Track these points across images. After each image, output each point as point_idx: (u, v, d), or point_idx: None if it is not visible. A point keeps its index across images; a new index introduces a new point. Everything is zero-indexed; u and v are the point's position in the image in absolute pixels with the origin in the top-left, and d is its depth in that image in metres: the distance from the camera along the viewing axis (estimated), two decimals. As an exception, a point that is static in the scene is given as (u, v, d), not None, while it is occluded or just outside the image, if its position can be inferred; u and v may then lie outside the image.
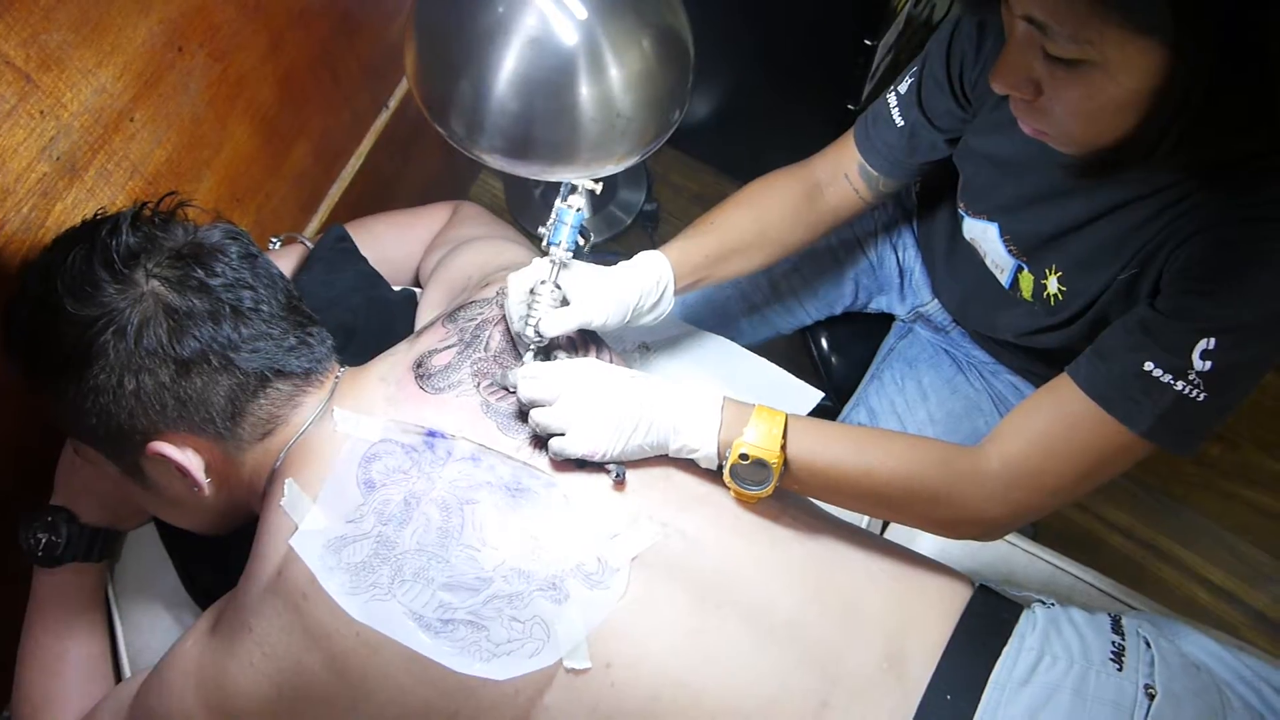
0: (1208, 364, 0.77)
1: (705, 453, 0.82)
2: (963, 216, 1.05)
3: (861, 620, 0.81)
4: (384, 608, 0.74)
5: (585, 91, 0.69)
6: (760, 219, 1.08)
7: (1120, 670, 0.78)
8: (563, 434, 0.80)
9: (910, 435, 0.88)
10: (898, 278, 1.32)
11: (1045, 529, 1.75)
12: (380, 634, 0.74)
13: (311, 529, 0.78)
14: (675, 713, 0.75)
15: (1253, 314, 0.77)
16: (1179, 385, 0.78)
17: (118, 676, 0.98)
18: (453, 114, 0.72)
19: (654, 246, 1.01)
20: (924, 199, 1.27)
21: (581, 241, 0.90)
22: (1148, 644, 0.81)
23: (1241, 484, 1.76)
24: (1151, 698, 0.76)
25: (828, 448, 0.84)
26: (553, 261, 0.89)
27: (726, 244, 1.05)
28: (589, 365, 0.84)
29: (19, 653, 0.95)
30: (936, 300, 1.27)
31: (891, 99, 1.05)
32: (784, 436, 0.82)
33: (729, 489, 0.83)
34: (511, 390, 0.84)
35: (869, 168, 1.08)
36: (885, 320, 1.37)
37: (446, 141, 0.78)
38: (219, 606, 0.85)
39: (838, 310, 1.36)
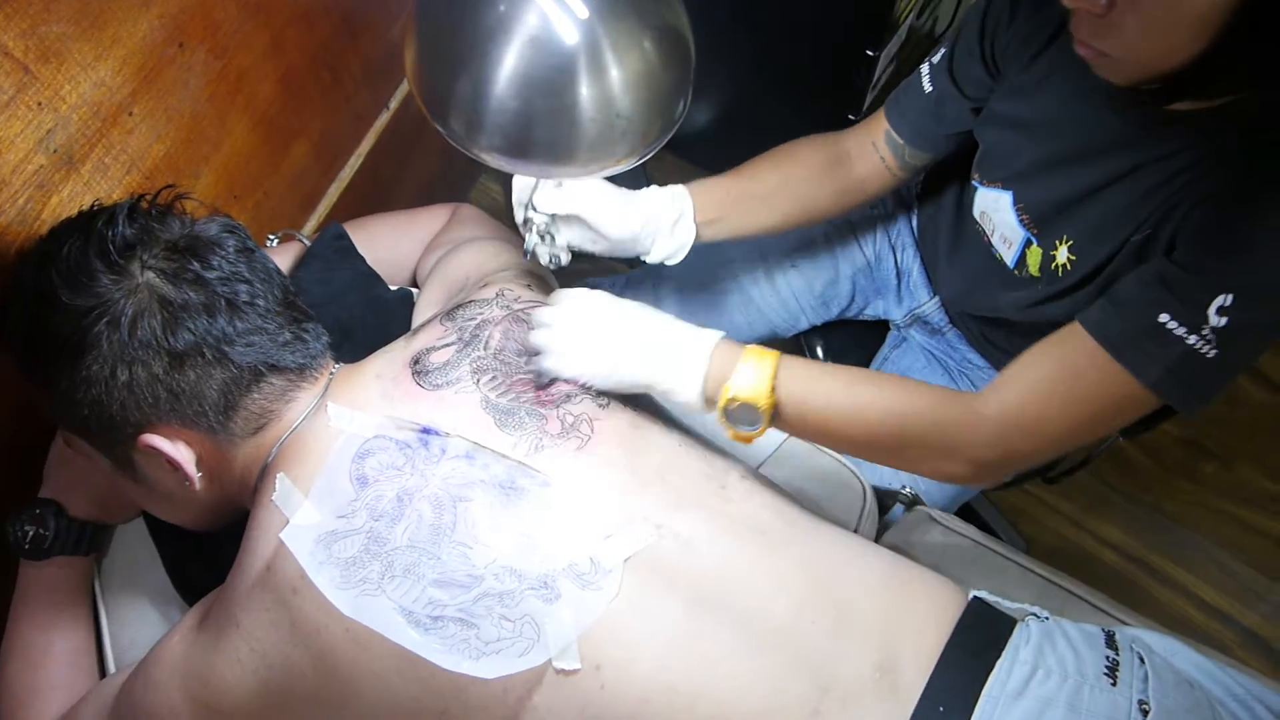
0: (1223, 320, 0.77)
1: (686, 399, 0.83)
2: (975, 188, 1.06)
3: (855, 628, 0.80)
4: (373, 603, 0.74)
5: (585, 91, 0.68)
6: (784, 173, 1.09)
7: (1114, 685, 0.78)
8: (556, 355, 0.82)
9: (906, 379, 0.88)
10: (895, 279, 1.32)
11: (1038, 544, 1.75)
12: (369, 630, 0.73)
13: (303, 524, 0.77)
14: (667, 716, 0.75)
15: (1273, 273, 0.77)
16: (1191, 339, 0.78)
17: (102, 672, 0.97)
18: (452, 112, 0.72)
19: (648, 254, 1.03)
20: (926, 191, 1.27)
21: None
22: (1141, 659, 0.81)
23: (1235, 502, 1.76)
24: (1145, 714, 0.75)
25: (819, 389, 0.84)
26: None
27: (746, 186, 1.07)
28: (596, 295, 0.86)
29: (2, 646, 0.94)
30: (934, 299, 1.27)
31: (924, 68, 1.07)
32: (774, 379, 0.82)
33: (729, 431, 0.84)
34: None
35: (896, 136, 1.09)
36: (880, 329, 1.37)
37: (447, 145, 0.78)
38: (207, 602, 0.84)
39: (834, 312, 1.36)
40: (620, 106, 0.70)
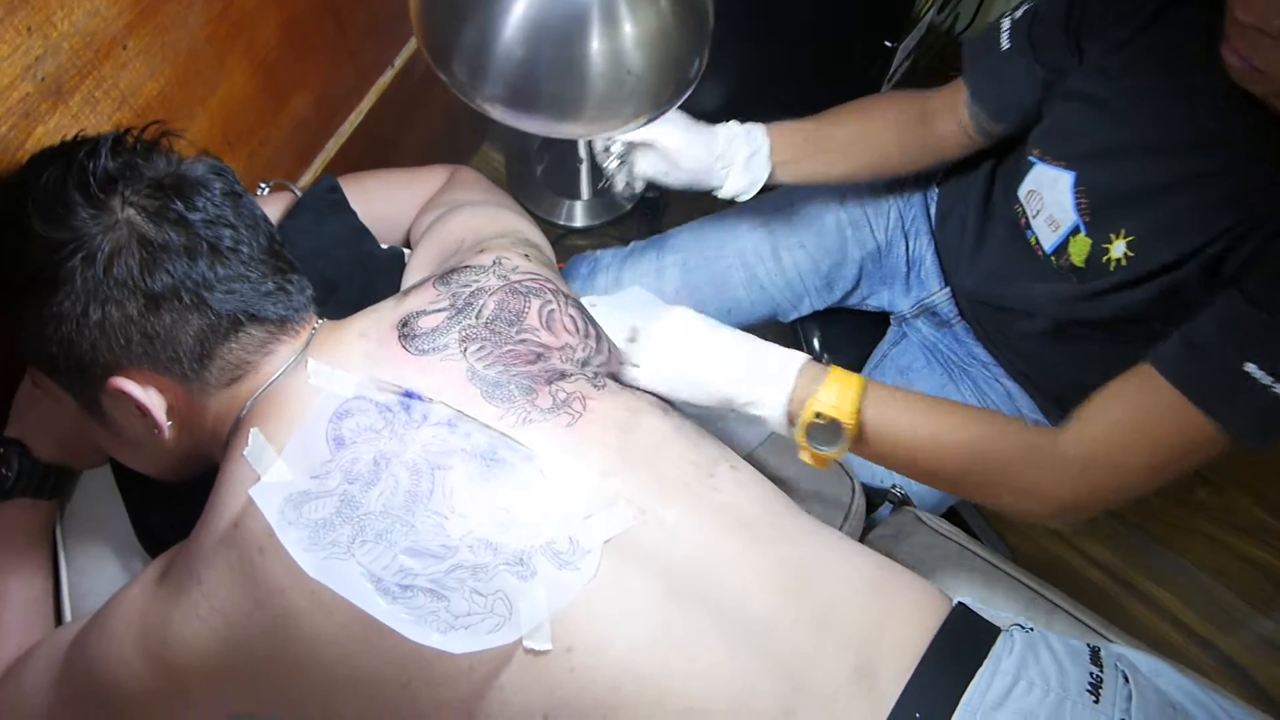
0: None
1: (769, 413, 0.83)
2: (1032, 164, 1.03)
3: (834, 629, 0.78)
4: (341, 567, 0.71)
5: (596, 44, 0.66)
6: (865, 124, 1.10)
7: (1097, 703, 0.76)
8: (638, 366, 0.82)
9: (987, 410, 0.88)
10: (904, 266, 1.30)
11: (1023, 556, 1.74)
12: (335, 594, 0.71)
13: (274, 481, 0.75)
14: (636, 705, 0.73)
15: None
16: (1277, 388, 0.77)
17: (59, 620, 0.94)
18: (455, 57, 0.69)
19: (655, 234, 1.03)
20: (951, 174, 1.26)
21: None
22: (1126, 678, 0.79)
23: (1224, 528, 1.75)
24: (1127, 733, 0.74)
25: (903, 414, 0.84)
26: None
27: (827, 134, 1.08)
28: (688, 313, 0.85)
29: (-44, 588, 0.91)
30: (945, 290, 1.25)
31: (1004, 23, 1.05)
32: (861, 397, 0.82)
33: (800, 447, 0.83)
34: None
35: (973, 101, 1.08)
36: (880, 324, 1.35)
37: (450, 109, 0.76)
38: (170, 555, 0.82)
39: (837, 295, 1.34)
40: (631, 63, 0.67)
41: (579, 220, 1.95)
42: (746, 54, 1.61)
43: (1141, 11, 0.92)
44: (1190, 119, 0.86)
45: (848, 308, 1.37)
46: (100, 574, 0.96)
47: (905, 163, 1.14)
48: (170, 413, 0.80)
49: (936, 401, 0.87)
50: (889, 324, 1.35)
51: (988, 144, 1.14)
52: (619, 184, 1.00)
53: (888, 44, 1.42)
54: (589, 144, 0.98)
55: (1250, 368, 0.77)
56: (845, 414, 0.81)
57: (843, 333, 1.38)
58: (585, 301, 0.98)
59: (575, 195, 1.95)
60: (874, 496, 1.14)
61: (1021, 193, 1.05)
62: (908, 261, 1.30)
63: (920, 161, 1.14)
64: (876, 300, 1.35)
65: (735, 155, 1.02)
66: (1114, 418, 0.84)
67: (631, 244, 1.36)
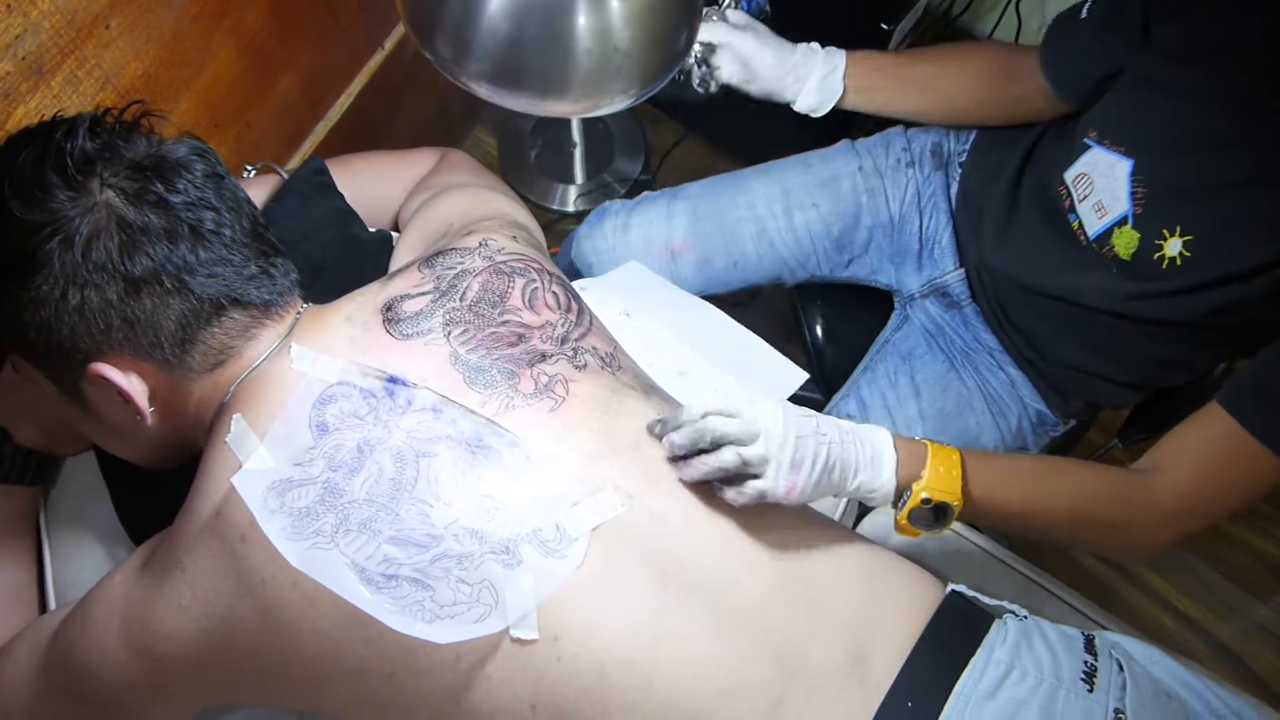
0: None
1: (884, 493, 0.83)
2: (1087, 146, 1.01)
3: (826, 616, 0.78)
4: (325, 556, 0.70)
5: (583, 20, 0.64)
6: (944, 67, 1.12)
7: (1091, 692, 0.75)
8: (759, 475, 0.77)
9: (1085, 464, 0.90)
10: (917, 244, 1.29)
11: (1018, 542, 1.73)
12: (318, 585, 0.70)
13: (256, 469, 0.73)
14: (623, 694, 0.72)
15: None
16: None
17: (43, 608, 0.94)
18: (439, 33, 0.68)
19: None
20: (977, 152, 1.24)
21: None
22: (1120, 667, 0.79)
23: (1219, 515, 1.74)
24: (1121, 722, 0.74)
25: (1007, 485, 0.85)
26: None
27: (905, 68, 1.11)
28: (775, 405, 0.81)
29: (-61, 576, 0.90)
30: (959, 270, 1.24)
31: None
32: (963, 477, 0.82)
33: (900, 532, 0.84)
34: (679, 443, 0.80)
35: (1042, 67, 1.08)
36: (882, 309, 1.34)
37: (441, 92, 0.74)
38: (153, 543, 0.81)
39: (844, 259, 1.33)
40: (619, 39, 0.66)
41: (572, 205, 1.93)
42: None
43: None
44: (1260, 116, 0.84)
45: (853, 284, 1.35)
46: (84, 561, 0.95)
47: (978, 113, 1.15)
48: (152, 399, 0.78)
49: (1036, 466, 0.89)
50: (893, 307, 1.34)
51: (1062, 113, 1.13)
52: (695, 78, 1.05)
53: (884, 26, 1.40)
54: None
55: None
56: (952, 494, 0.82)
57: (844, 317, 1.37)
58: (577, 285, 0.97)
59: (569, 180, 1.93)
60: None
61: (1070, 175, 1.03)
62: (921, 239, 1.28)
63: (994, 116, 1.15)
64: (885, 277, 1.33)
65: (811, 71, 1.06)
66: (1199, 463, 0.87)
67: (642, 194, 1.36)
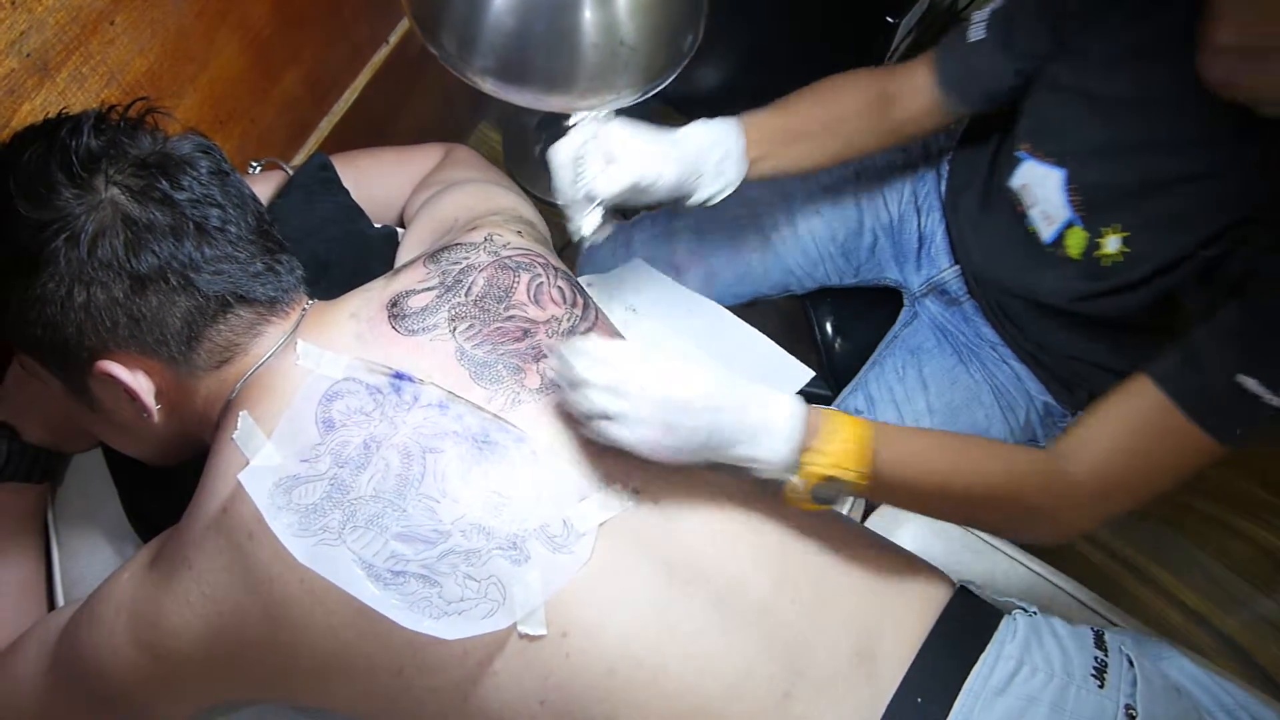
0: None
1: (775, 466, 0.75)
2: (1020, 159, 1.01)
3: (834, 612, 0.78)
4: (332, 553, 0.70)
5: (589, 14, 0.64)
6: (832, 108, 1.05)
7: (1101, 688, 0.75)
8: (611, 419, 0.73)
9: (995, 443, 0.85)
10: (916, 243, 1.29)
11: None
12: (326, 581, 0.70)
13: (263, 465, 0.73)
14: (632, 690, 0.72)
15: None
16: (1270, 398, 0.76)
17: (51, 605, 0.94)
18: (444, 28, 0.68)
19: (649, 209, 0.98)
20: (960, 150, 1.24)
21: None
22: (1130, 662, 0.79)
23: (1225, 508, 1.74)
24: (1132, 718, 0.73)
25: (914, 458, 0.79)
26: (596, 116, 0.82)
27: (796, 125, 1.02)
28: (664, 355, 0.76)
29: (-53, 573, 0.90)
30: (955, 267, 1.24)
31: (977, 16, 1.02)
32: (871, 447, 0.76)
33: (792, 499, 0.76)
34: (555, 373, 0.76)
35: (938, 85, 1.05)
36: (891, 307, 1.33)
37: (446, 87, 0.74)
38: (160, 540, 0.81)
39: (852, 266, 1.32)
40: (625, 33, 0.65)
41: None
42: (746, 29, 1.59)
43: (1127, 2, 0.90)
44: (1177, 117, 0.84)
45: (861, 285, 1.35)
46: (92, 558, 0.95)
47: (876, 146, 1.09)
48: (158, 396, 0.78)
49: (947, 441, 0.83)
50: (900, 306, 1.34)
51: (958, 123, 1.12)
52: (599, 234, 0.87)
53: (889, 20, 1.40)
54: (576, 197, 0.84)
55: (1248, 381, 0.76)
56: (861, 474, 0.75)
57: (854, 314, 1.36)
58: (582, 280, 0.96)
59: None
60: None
61: (1014, 185, 1.03)
62: (919, 237, 1.28)
63: (889, 142, 1.10)
64: (891, 275, 1.33)
65: (706, 163, 0.93)
66: (1117, 438, 0.82)
67: (641, 213, 1.34)
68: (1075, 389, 1.19)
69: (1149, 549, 1.72)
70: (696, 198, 0.96)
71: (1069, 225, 0.97)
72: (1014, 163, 1.03)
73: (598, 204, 0.82)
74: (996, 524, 0.86)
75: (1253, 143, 0.81)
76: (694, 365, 0.75)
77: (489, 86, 0.68)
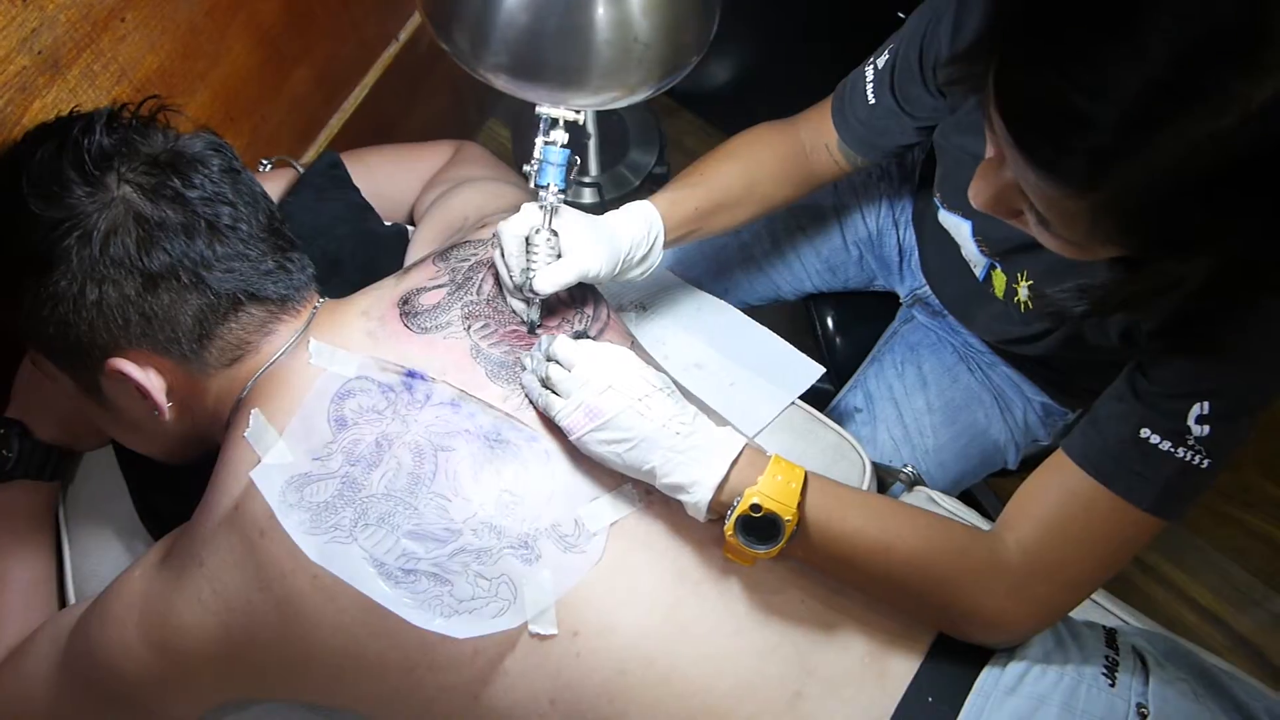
0: (1205, 429, 0.72)
1: (696, 499, 0.72)
2: (938, 207, 1.01)
3: (844, 611, 0.77)
4: (344, 551, 0.70)
5: (602, 10, 0.63)
6: (749, 173, 1.03)
7: (1113, 686, 0.75)
8: (562, 397, 0.75)
9: (935, 515, 0.80)
10: (897, 256, 1.28)
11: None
12: (337, 579, 0.70)
13: (275, 463, 0.74)
14: (642, 689, 0.72)
15: (1245, 370, 0.71)
16: (1180, 453, 0.72)
17: (62, 602, 0.94)
18: (458, 25, 0.67)
19: None
20: (924, 172, 1.22)
21: (569, 177, 0.85)
22: (1142, 661, 0.78)
23: (1239, 506, 1.72)
24: (1144, 718, 0.73)
25: (847, 514, 0.75)
26: (544, 207, 0.83)
27: (715, 197, 1.00)
28: (622, 354, 0.76)
29: (-41, 570, 0.90)
30: None
31: (869, 72, 0.99)
32: (803, 492, 0.73)
33: (725, 543, 0.73)
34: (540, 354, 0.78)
35: (845, 143, 1.02)
36: (891, 304, 1.33)
37: (455, 83, 0.74)
38: (172, 538, 0.81)
39: (841, 280, 1.31)
40: (638, 30, 0.65)
41: (586, 197, 1.92)
42: (757, 25, 1.58)
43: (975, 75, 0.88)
44: None
45: (857, 291, 1.35)
46: (103, 556, 0.95)
47: (794, 195, 1.07)
48: (170, 394, 0.78)
49: (883, 504, 0.79)
50: (900, 303, 1.33)
51: (870, 169, 1.11)
52: (536, 323, 0.84)
53: (900, 15, 1.39)
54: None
55: (1145, 433, 0.73)
56: (786, 508, 0.71)
57: (855, 311, 1.35)
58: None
59: (583, 172, 1.92)
60: (885, 476, 1.12)
61: (947, 225, 1.02)
62: (899, 250, 1.28)
63: (809, 190, 1.08)
64: (881, 284, 1.33)
65: (636, 249, 0.92)
66: (1045, 514, 0.77)
67: None
68: (1068, 390, 1.18)
69: (1162, 547, 1.71)
70: (623, 279, 0.96)
71: (992, 267, 0.97)
72: (935, 208, 1.03)
73: (540, 299, 0.83)
74: (917, 600, 0.78)
75: None
76: (646, 380, 0.75)
77: (502, 83, 0.68)
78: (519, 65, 0.67)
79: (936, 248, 1.12)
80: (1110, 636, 0.80)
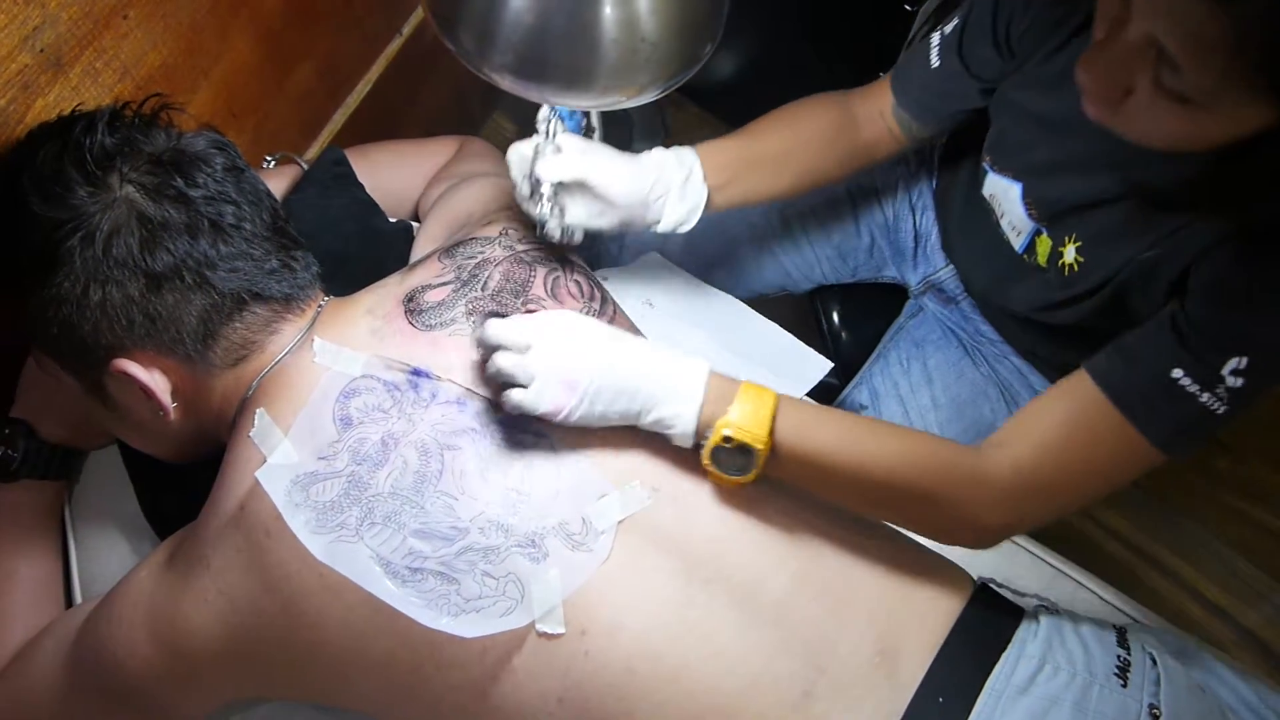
0: (1239, 381, 0.73)
1: (682, 430, 0.74)
2: (986, 171, 1.01)
3: (854, 609, 0.77)
4: (350, 550, 0.70)
5: (609, 9, 0.63)
6: (793, 138, 1.04)
7: (1125, 687, 0.74)
8: (525, 386, 0.73)
9: (911, 430, 0.82)
10: (912, 242, 1.28)
11: (1041, 530, 1.72)
12: (344, 578, 0.70)
13: (280, 463, 0.73)
14: (651, 688, 0.72)
15: None
16: (1204, 397, 0.74)
17: (69, 602, 0.93)
18: (462, 25, 0.67)
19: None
20: (947, 152, 1.23)
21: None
22: (1153, 661, 0.78)
23: (1246, 500, 1.72)
24: (1156, 718, 0.72)
25: (820, 434, 0.76)
26: (548, 116, 0.84)
27: (758, 151, 1.01)
28: (566, 316, 0.77)
29: (-35, 571, 0.90)
30: (950, 267, 1.23)
31: (934, 38, 1.01)
32: (773, 419, 0.74)
33: (706, 472, 0.76)
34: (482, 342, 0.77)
35: (900, 109, 1.04)
36: (898, 297, 1.32)
37: (460, 77, 0.73)
38: (178, 538, 0.81)
39: (850, 268, 1.31)
40: (646, 30, 0.64)
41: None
42: (765, 17, 1.57)
43: (1072, 17, 0.89)
44: (1103, 138, 0.83)
45: (865, 282, 1.34)
46: (110, 555, 0.95)
47: (838, 172, 1.08)
48: (175, 394, 0.78)
49: (860, 421, 0.80)
50: (907, 297, 1.33)
51: (924, 144, 1.11)
52: (555, 232, 0.88)
53: (907, 7, 1.38)
54: (531, 185, 0.88)
55: (1178, 374, 0.74)
56: (757, 437, 0.73)
57: (861, 306, 1.35)
58: (598, 274, 0.96)
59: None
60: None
61: (985, 193, 1.03)
62: (915, 236, 1.27)
63: (852, 167, 1.08)
64: (891, 273, 1.32)
65: (669, 182, 0.94)
66: (1046, 434, 0.78)
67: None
68: None
69: (1169, 542, 1.71)
70: (664, 224, 0.97)
71: (1036, 234, 0.97)
72: (982, 173, 1.03)
73: (549, 193, 0.85)
74: (899, 513, 0.81)
75: (1173, 162, 0.80)
76: (603, 329, 0.77)
77: (507, 83, 0.67)
78: (524, 66, 0.66)
79: (966, 226, 1.12)
80: (1122, 636, 0.80)
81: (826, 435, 0.77)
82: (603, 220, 0.93)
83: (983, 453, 0.79)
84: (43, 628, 0.86)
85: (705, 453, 0.75)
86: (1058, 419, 0.79)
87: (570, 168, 0.85)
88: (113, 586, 0.81)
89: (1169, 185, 0.82)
